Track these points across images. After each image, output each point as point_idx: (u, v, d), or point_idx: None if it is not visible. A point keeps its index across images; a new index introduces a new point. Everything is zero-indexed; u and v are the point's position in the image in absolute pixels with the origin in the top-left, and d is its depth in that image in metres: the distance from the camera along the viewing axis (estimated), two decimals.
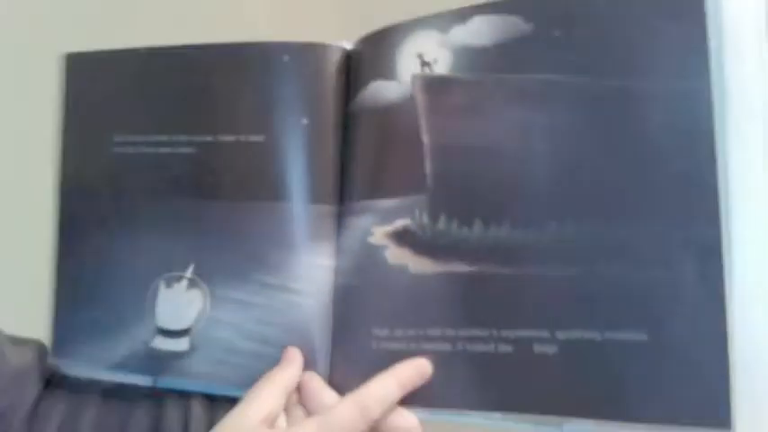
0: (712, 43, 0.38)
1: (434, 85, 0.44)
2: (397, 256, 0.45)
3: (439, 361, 0.43)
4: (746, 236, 0.37)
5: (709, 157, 0.37)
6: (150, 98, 0.51)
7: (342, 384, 0.45)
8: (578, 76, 0.40)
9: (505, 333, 0.42)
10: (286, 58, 0.48)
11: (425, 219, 0.44)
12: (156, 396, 0.49)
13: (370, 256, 0.45)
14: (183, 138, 0.50)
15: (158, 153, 0.50)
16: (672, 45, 0.38)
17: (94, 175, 0.52)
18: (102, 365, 0.50)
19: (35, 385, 0.50)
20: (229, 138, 0.49)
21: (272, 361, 0.46)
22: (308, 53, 0.48)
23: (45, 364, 0.51)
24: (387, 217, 0.45)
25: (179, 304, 0.49)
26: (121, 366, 0.50)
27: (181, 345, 0.48)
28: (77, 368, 0.51)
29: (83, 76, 0.53)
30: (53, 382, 0.51)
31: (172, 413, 0.49)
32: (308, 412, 0.44)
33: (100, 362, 0.50)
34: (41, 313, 0.52)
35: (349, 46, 0.49)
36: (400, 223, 0.45)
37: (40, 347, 0.52)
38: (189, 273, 0.49)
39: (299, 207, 0.47)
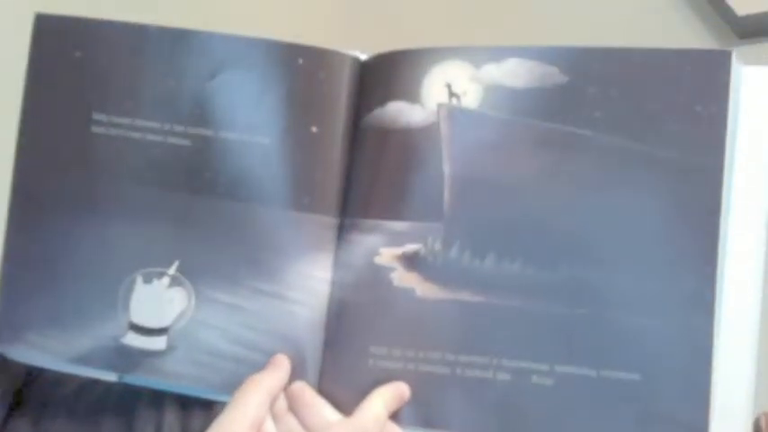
0: (730, 126, 0.42)
1: (461, 117, 0.45)
2: (404, 278, 0.45)
3: (436, 382, 0.45)
4: (736, 297, 0.43)
5: (713, 228, 0.42)
6: (139, 79, 0.47)
7: (331, 396, 0.46)
8: (606, 135, 0.43)
9: (505, 362, 0.44)
10: (301, 60, 0.46)
11: (438, 246, 0.45)
12: (127, 403, 0.47)
13: (375, 275, 0.46)
14: (177, 128, 0.47)
15: (146, 140, 0.47)
16: (693, 122, 0.42)
17: (65, 151, 0.47)
18: (62, 357, 0.47)
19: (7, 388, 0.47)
20: (232, 135, 0.46)
21: (258, 367, 0.46)
22: (323, 58, 0.47)
23: (10, 381, 0.48)
24: (397, 239, 0.46)
25: (158, 301, 0.46)
26: (84, 360, 0.46)
27: (157, 343, 0.46)
28: (28, 357, 0.47)
29: (56, 41, 0.48)
30: (24, 385, 0.48)
31: (143, 418, 0.46)
32: (301, 422, 0.44)
33: (58, 353, 0.46)
34: None
35: (363, 57, 0.48)
36: (411, 247, 0.46)
37: (1, 365, 0.47)
38: (172, 270, 0.46)
39: (297, 215, 0.46)
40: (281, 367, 0.45)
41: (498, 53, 0.45)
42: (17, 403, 0.48)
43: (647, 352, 0.43)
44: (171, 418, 0.47)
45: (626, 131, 0.43)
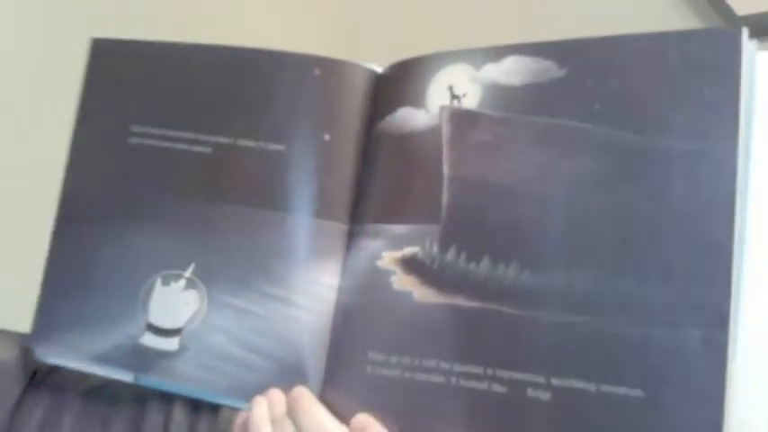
0: (743, 107, 0.38)
1: (461, 119, 0.44)
2: (402, 282, 0.44)
3: (431, 392, 0.43)
4: (756, 306, 0.37)
5: (727, 225, 0.37)
6: (173, 92, 0.51)
7: (333, 402, 0.45)
8: (605, 128, 0.40)
9: (500, 373, 0.41)
10: (317, 71, 0.48)
11: (435, 249, 0.44)
12: (138, 399, 0.49)
13: (376, 279, 0.45)
14: (200, 137, 0.50)
15: (174, 149, 0.50)
16: (702, 106, 0.38)
17: (106, 162, 0.52)
18: (85, 356, 0.49)
19: (19, 381, 0.50)
20: (249, 143, 0.49)
21: (263, 372, 0.46)
22: (338, 70, 0.49)
23: (30, 359, 0.51)
24: (397, 243, 0.45)
25: (174, 303, 0.48)
26: (104, 359, 0.49)
27: (170, 344, 0.48)
28: (56, 356, 0.50)
29: (107, 62, 0.53)
30: (35, 381, 0.51)
31: (153, 417, 0.48)
32: (297, 427, 0.44)
33: (82, 352, 0.49)
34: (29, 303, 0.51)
35: (380, 70, 0.49)
36: (409, 250, 0.45)
37: (23, 342, 0.51)
38: (188, 273, 0.48)
39: (309, 221, 0.47)
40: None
41: (496, 53, 0.44)
42: (31, 381, 0.51)
43: (652, 366, 0.38)
44: (179, 416, 0.48)
45: (627, 123, 0.40)
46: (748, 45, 0.38)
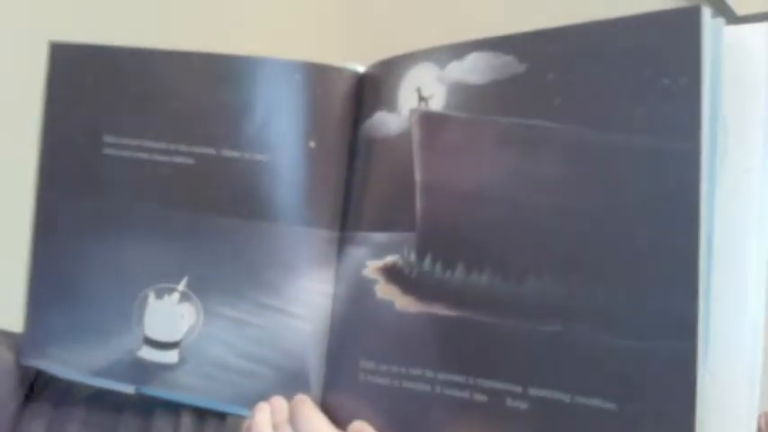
0: (707, 99, 0.34)
1: (429, 121, 0.43)
2: (385, 291, 0.44)
3: (418, 401, 0.43)
4: (724, 313, 0.34)
5: (692, 227, 0.34)
6: (147, 102, 0.50)
7: (333, 408, 0.46)
8: (567, 124, 0.38)
9: (481, 382, 0.41)
10: (298, 76, 0.47)
11: (413, 257, 0.43)
12: (145, 406, 0.50)
13: (362, 288, 0.45)
14: (182, 147, 0.49)
15: (153, 160, 0.49)
16: (662, 97, 0.35)
17: (80, 174, 0.50)
18: (83, 370, 0.50)
19: (23, 383, 0.50)
20: (233, 153, 0.48)
21: (266, 380, 0.47)
22: (320, 74, 0.48)
23: (25, 374, 0.51)
24: (379, 251, 0.45)
25: (170, 317, 0.49)
26: (103, 373, 0.49)
27: (169, 357, 0.49)
28: (53, 370, 0.51)
29: (69, 67, 0.51)
30: (37, 386, 0.52)
31: (161, 423, 0.50)
32: None
33: (77, 367, 0.50)
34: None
35: (362, 69, 0.48)
36: (390, 259, 0.44)
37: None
38: (182, 286, 0.49)
39: (299, 230, 0.47)
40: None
41: (460, 50, 0.42)
42: (33, 387, 0.52)
43: (623, 378, 0.36)
44: (187, 421, 0.50)
45: (588, 119, 0.37)
46: (711, 25, 0.34)
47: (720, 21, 0.34)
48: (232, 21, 0.98)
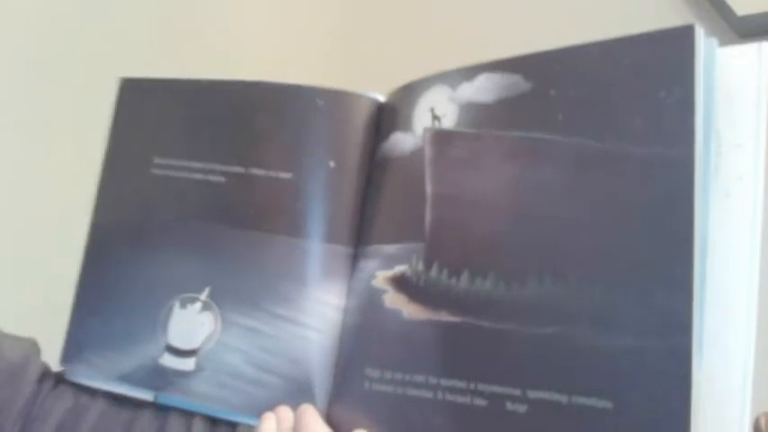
0: (700, 110, 0.36)
1: (440, 138, 0.46)
2: (393, 300, 0.46)
3: (421, 407, 0.44)
4: (719, 312, 0.35)
5: (686, 230, 0.36)
6: (192, 126, 0.54)
7: (337, 418, 0.47)
8: (569, 137, 0.40)
9: (481, 387, 0.42)
10: (321, 102, 0.51)
11: (420, 266, 0.45)
12: (160, 407, 0.51)
13: (372, 298, 0.47)
14: (216, 166, 0.53)
15: (192, 178, 0.53)
16: (658, 108, 0.37)
17: (131, 192, 0.55)
18: (109, 375, 0.52)
19: (29, 382, 0.52)
20: (259, 171, 0.51)
21: (274, 389, 0.48)
22: (341, 100, 0.51)
23: (39, 361, 0.54)
24: (389, 262, 0.47)
25: (191, 325, 0.51)
26: (126, 378, 0.52)
27: (187, 364, 0.50)
28: (81, 375, 0.54)
29: (134, 99, 0.57)
30: (58, 381, 0.54)
31: (174, 425, 0.51)
32: None
33: (106, 371, 0.52)
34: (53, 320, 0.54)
35: (382, 98, 0.51)
36: (399, 269, 0.46)
37: (33, 344, 0.54)
38: (204, 295, 0.51)
39: (315, 245, 0.49)
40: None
41: (470, 72, 0.45)
42: (57, 381, 0.53)
43: (619, 377, 0.37)
44: (199, 426, 0.51)
45: (588, 132, 0.40)
46: (705, 43, 0.37)
47: (713, 40, 0.37)
48: (235, 40, 1.02)
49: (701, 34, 0.37)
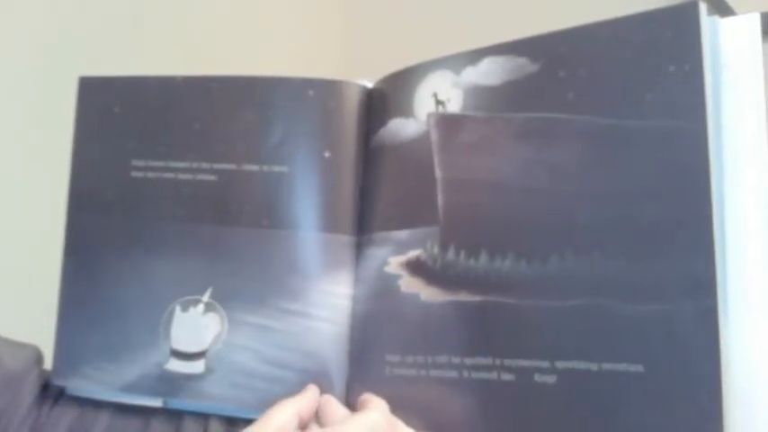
0: (708, 82, 0.38)
1: (447, 123, 0.46)
2: (409, 284, 0.47)
3: (446, 387, 0.45)
4: (741, 271, 0.38)
5: (703, 196, 0.38)
6: (171, 126, 0.52)
7: (357, 405, 0.47)
8: (580, 115, 0.42)
9: (508, 362, 0.43)
10: (311, 93, 0.51)
11: (436, 249, 0.46)
12: (174, 410, 0.50)
13: (386, 284, 0.47)
14: (204, 165, 0.51)
15: (177, 179, 0.51)
16: (669, 83, 0.39)
17: (109, 196, 0.53)
18: (110, 387, 0.51)
19: (31, 389, 0.50)
20: (253, 167, 0.51)
21: (291, 384, 0.48)
22: (331, 89, 0.51)
23: (41, 368, 0.52)
24: (401, 247, 0.47)
25: (195, 327, 0.50)
26: (131, 388, 0.50)
27: (196, 367, 0.50)
28: (81, 390, 0.52)
29: (97, 99, 0.54)
30: (62, 390, 0.52)
31: (190, 427, 0.50)
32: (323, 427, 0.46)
33: (107, 384, 0.51)
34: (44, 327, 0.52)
35: (370, 85, 0.51)
36: (413, 254, 0.47)
37: (35, 351, 0.53)
38: (206, 297, 0.50)
39: (317, 236, 0.49)
40: (308, 392, 0.47)
41: (474, 56, 0.46)
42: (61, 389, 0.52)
43: (649, 341, 0.39)
44: (216, 425, 0.50)
45: (600, 109, 0.41)
46: (708, 20, 0.39)
47: (716, 17, 0.39)
48: (232, 39, 1.01)
49: (704, 10, 0.39)
